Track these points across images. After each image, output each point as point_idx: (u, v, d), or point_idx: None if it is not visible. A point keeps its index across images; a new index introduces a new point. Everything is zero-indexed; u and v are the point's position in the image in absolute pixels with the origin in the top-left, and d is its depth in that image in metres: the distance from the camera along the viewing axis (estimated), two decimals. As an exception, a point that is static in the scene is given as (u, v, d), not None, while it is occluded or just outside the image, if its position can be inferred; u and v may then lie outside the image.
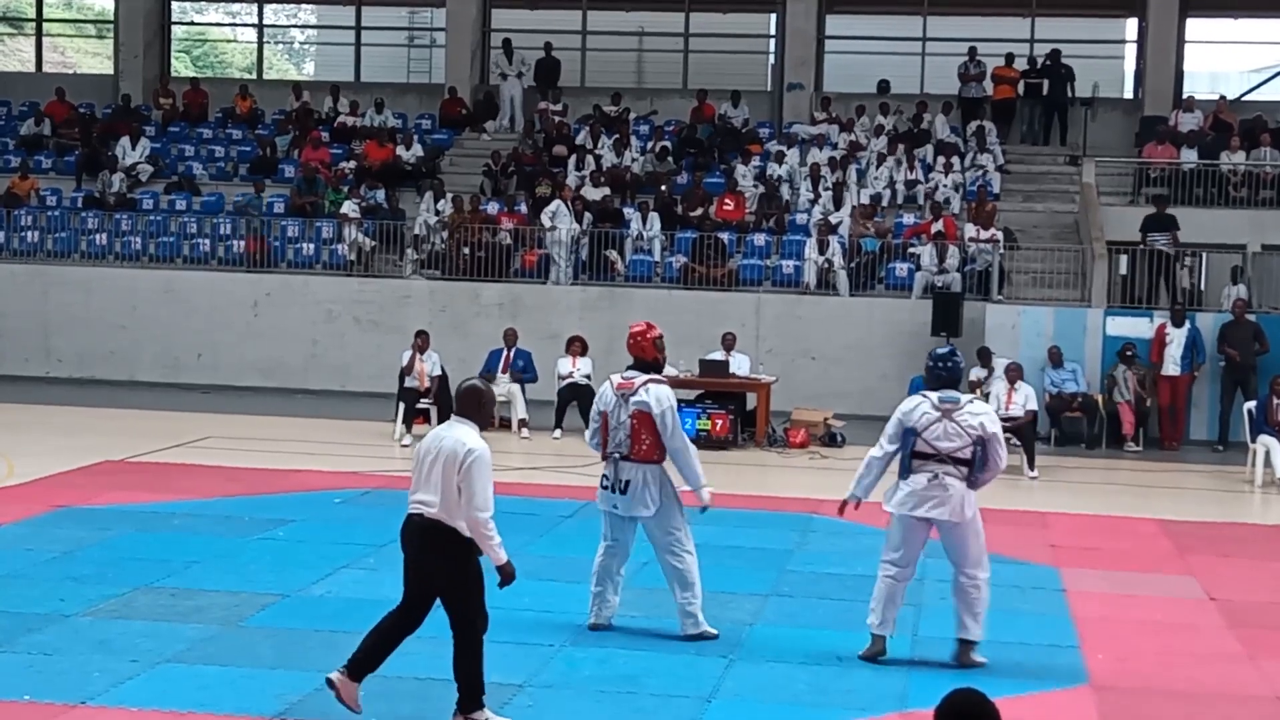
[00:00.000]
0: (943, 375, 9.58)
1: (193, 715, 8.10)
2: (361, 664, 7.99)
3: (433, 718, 8.16)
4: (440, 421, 18.39)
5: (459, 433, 7.83)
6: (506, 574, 7.89)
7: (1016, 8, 28.63)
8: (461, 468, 7.67)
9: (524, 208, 24.07)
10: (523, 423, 19.01)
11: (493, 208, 24.05)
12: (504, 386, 19.24)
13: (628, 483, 9.63)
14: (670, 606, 10.58)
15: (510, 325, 20.21)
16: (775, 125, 27.42)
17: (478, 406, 7.98)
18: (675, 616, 10.01)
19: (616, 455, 9.68)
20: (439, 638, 9.65)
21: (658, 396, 9.77)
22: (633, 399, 9.75)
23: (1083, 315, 20.46)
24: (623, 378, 9.89)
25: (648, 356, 10.04)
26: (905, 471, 9.36)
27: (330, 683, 7.94)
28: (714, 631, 9.74)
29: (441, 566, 7.82)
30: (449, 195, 24.08)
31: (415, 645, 9.48)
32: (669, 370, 19.13)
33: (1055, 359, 19.53)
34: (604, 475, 9.82)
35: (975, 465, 9.31)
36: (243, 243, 23.90)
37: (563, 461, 17.33)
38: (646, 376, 9.91)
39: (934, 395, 9.47)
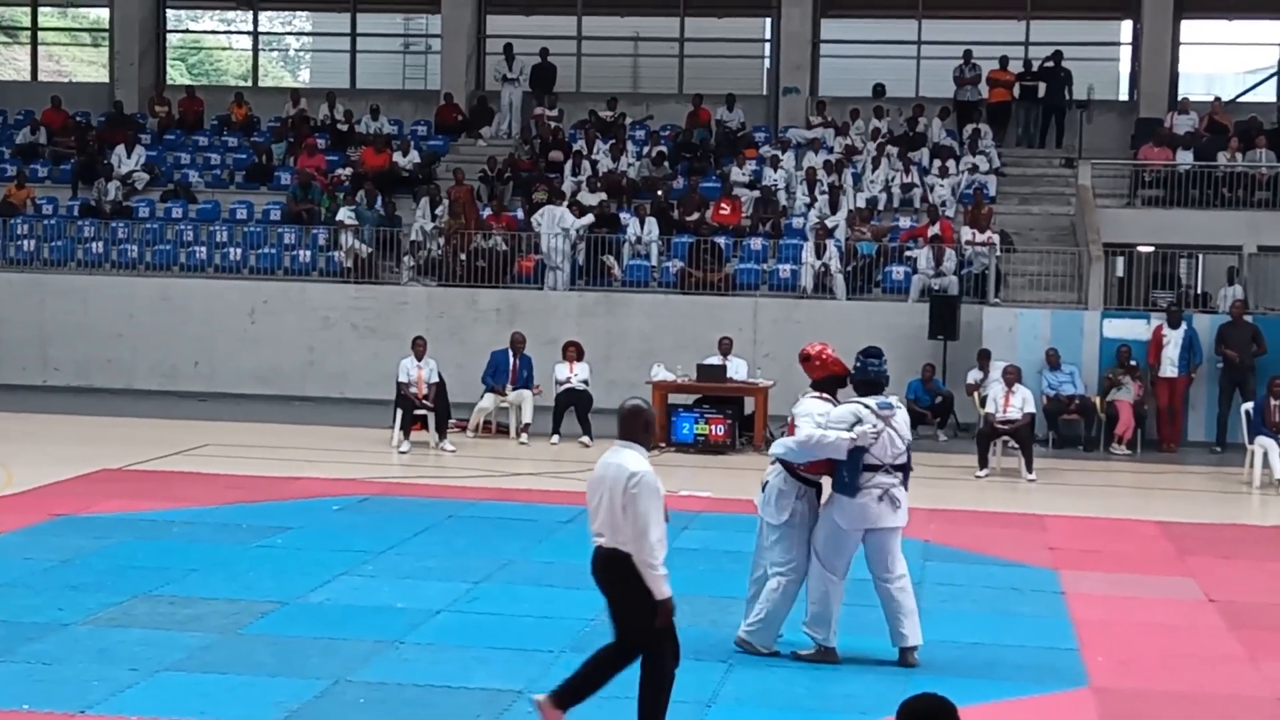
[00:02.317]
0: (875, 377, 9.54)
1: (192, 723, 8.10)
2: (570, 693, 7.79)
3: (433, 724, 8.16)
4: (438, 428, 18.51)
5: (623, 458, 7.61)
6: (665, 611, 7.59)
7: (1011, 11, 28.65)
8: (625, 493, 7.48)
9: (520, 214, 24.07)
10: (525, 428, 19.00)
11: (486, 213, 24.03)
12: (513, 394, 19.24)
13: (765, 483, 9.72)
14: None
15: (513, 330, 20.07)
16: (771, 129, 27.44)
17: (644, 429, 7.78)
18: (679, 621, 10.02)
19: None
20: (435, 645, 9.67)
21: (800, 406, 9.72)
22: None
23: (1080, 317, 20.47)
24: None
25: (841, 371, 9.77)
26: (853, 489, 9.27)
27: (535, 703, 7.80)
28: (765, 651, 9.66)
29: (617, 592, 7.64)
30: (445, 201, 24.05)
31: (416, 652, 9.51)
32: (665, 374, 19.26)
33: (1053, 361, 19.54)
34: None
35: (907, 470, 9.49)
36: (239, 249, 23.89)
37: (560, 467, 17.33)
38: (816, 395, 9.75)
39: (872, 402, 9.42)
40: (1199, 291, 23.26)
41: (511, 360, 19.38)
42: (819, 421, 9.35)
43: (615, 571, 7.58)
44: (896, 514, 9.41)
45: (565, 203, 23.55)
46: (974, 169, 25.08)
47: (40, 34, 32.87)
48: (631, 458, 7.60)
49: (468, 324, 22.50)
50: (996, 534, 13.91)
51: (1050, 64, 26.52)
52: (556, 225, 22.89)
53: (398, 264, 23.63)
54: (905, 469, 9.49)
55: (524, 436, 18.93)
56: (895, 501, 9.38)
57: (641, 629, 7.63)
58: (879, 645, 9.69)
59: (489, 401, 19.35)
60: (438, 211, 23.89)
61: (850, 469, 9.26)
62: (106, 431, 19.10)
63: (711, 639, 9.92)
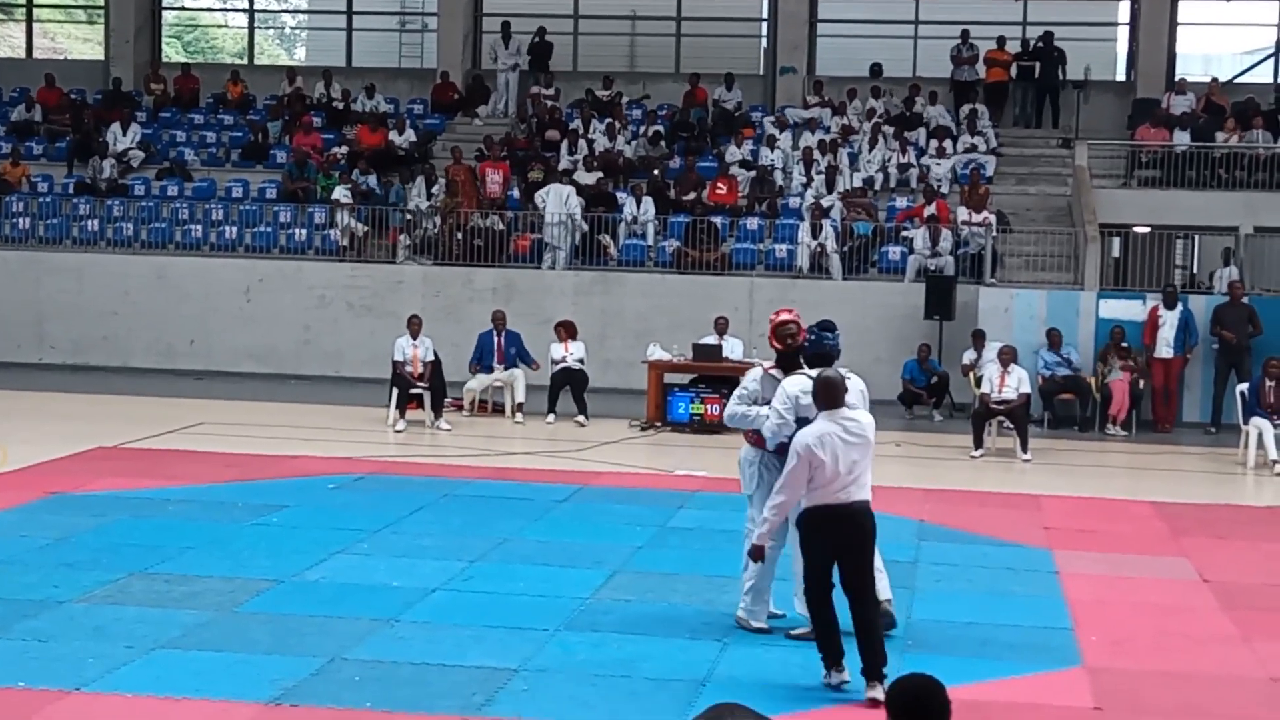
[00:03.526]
0: (828, 350, 9.48)
1: (187, 701, 8.10)
2: (876, 667, 8.35)
3: (429, 703, 8.17)
4: (434, 407, 18.50)
5: (860, 415, 8.58)
6: None
7: (1009, -10, 28.60)
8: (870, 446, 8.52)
9: (517, 193, 24.05)
10: (519, 407, 19.02)
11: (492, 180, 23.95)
12: (501, 372, 19.26)
13: (740, 460, 9.86)
14: (663, 590, 10.60)
15: (502, 309, 20.09)
16: (768, 109, 27.40)
17: (843, 394, 8.57)
18: (668, 600, 10.06)
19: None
20: (431, 623, 9.68)
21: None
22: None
23: (1075, 298, 20.46)
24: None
25: (774, 346, 9.84)
26: None
27: (872, 700, 8.21)
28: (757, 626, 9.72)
29: (872, 540, 8.58)
30: (441, 180, 24.00)
31: (411, 630, 9.53)
32: (660, 354, 19.26)
33: (1054, 341, 19.49)
34: None
35: None
36: (235, 228, 23.88)
37: (556, 446, 17.34)
38: (762, 365, 9.94)
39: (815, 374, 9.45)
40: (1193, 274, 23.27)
41: (496, 339, 19.39)
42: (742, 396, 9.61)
43: (873, 521, 8.51)
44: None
45: (562, 180, 23.50)
46: (971, 149, 25.05)
47: (35, 10, 32.81)
48: (866, 417, 8.62)
49: (463, 303, 22.48)
50: (991, 514, 13.93)
51: (1042, 44, 26.48)
52: (562, 204, 22.82)
53: (393, 243, 23.59)
54: None
55: (519, 415, 18.94)
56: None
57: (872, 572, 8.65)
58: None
59: (476, 381, 19.35)
60: (433, 190, 23.85)
61: None
62: (102, 409, 19.09)
63: (706, 618, 9.95)
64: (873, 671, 8.30)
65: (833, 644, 8.55)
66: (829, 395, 8.47)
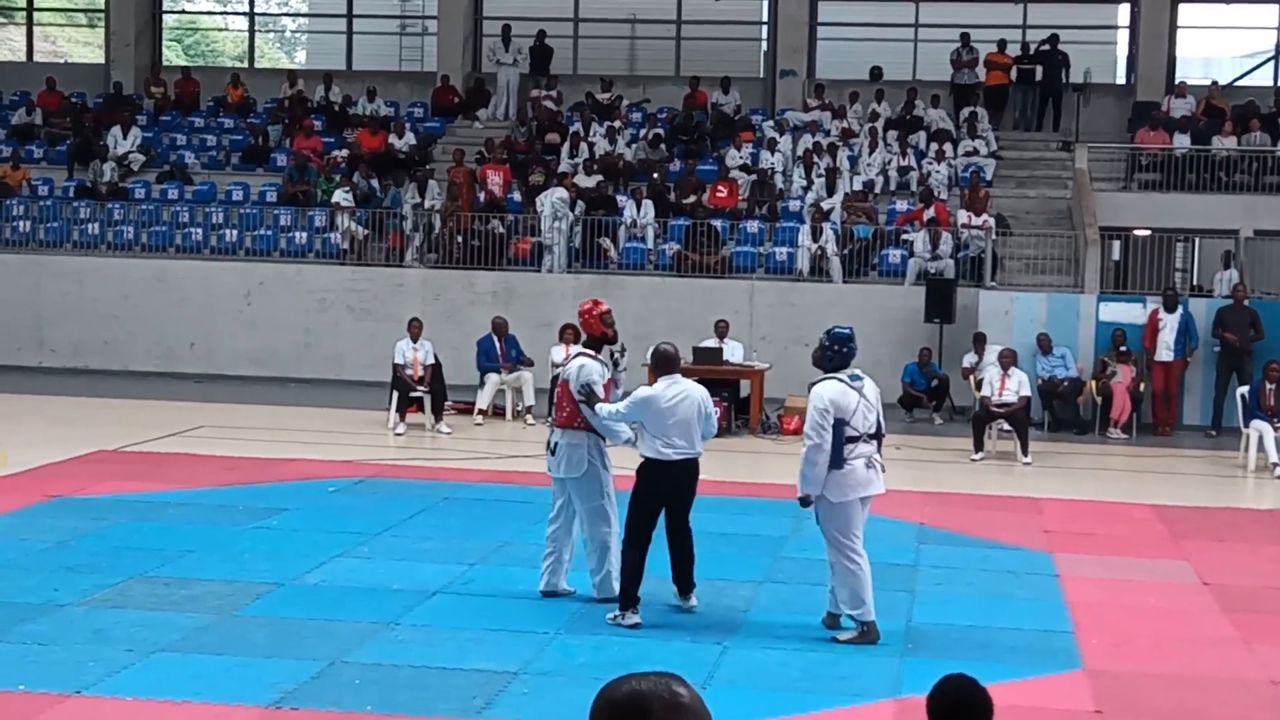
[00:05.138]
0: (847, 355, 9.76)
1: (188, 704, 8.11)
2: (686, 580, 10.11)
3: (428, 706, 8.17)
4: (434, 410, 18.49)
5: (692, 386, 10.05)
6: None
7: (1009, -6, 28.58)
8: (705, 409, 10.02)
9: (518, 195, 24.06)
10: (529, 409, 19.00)
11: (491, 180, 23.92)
12: (510, 376, 19.24)
13: (555, 445, 10.40)
14: (663, 592, 10.60)
15: (503, 313, 20.08)
16: (768, 112, 27.40)
17: (678, 364, 10.11)
18: (668, 603, 10.07)
19: (548, 421, 10.59)
20: (431, 626, 9.68)
21: (577, 366, 10.34)
22: (562, 371, 10.55)
23: (1075, 301, 20.46)
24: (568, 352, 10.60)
25: (594, 332, 10.43)
26: (839, 461, 9.40)
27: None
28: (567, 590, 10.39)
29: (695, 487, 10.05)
30: (442, 183, 23.98)
31: (411, 634, 9.54)
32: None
33: (1045, 346, 19.48)
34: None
35: (880, 438, 9.75)
36: (235, 231, 23.89)
37: (556, 449, 17.30)
38: (579, 350, 10.54)
39: (844, 375, 9.60)
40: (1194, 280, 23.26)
41: (497, 344, 19.38)
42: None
43: (698, 473, 9.97)
44: (879, 481, 9.69)
45: (559, 182, 23.49)
46: (972, 152, 25.04)
47: (36, 14, 32.78)
48: (697, 386, 10.13)
49: (464, 306, 22.48)
50: (992, 517, 13.93)
51: (1046, 47, 26.49)
52: (551, 207, 22.85)
53: (394, 246, 23.56)
54: (879, 437, 9.73)
55: (530, 417, 18.93)
56: (880, 468, 9.69)
57: None
58: (879, 626, 9.71)
59: (490, 387, 19.26)
60: (426, 194, 23.81)
61: (834, 442, 9.38)
62: (102, 413, 19.09)
63: (706, 620, 9.96)
64: (685, 586, 10.09)
65: (636, 589, 9.76)
66: (666, 363, 10.01)
